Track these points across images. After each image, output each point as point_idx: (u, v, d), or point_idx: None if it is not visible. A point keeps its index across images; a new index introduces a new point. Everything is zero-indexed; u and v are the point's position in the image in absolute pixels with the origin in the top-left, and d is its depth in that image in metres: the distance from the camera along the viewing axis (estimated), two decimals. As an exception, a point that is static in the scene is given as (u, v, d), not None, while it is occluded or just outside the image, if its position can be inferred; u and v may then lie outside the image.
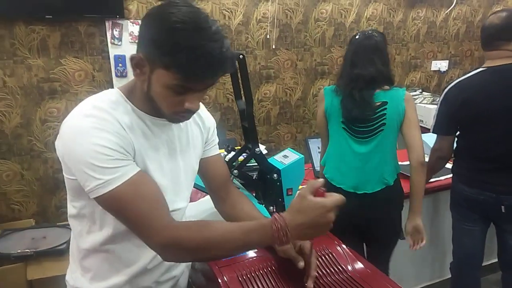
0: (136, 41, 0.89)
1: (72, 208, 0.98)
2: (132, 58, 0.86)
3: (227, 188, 1.20)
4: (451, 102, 1.87)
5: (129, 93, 0.93)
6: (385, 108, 1.77)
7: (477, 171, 1.89)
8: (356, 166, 1.84)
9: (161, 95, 0.86)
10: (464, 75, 1.90)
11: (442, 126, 1.94)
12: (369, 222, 1.86)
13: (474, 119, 1.84)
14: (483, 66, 1.87)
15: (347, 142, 1.86)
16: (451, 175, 2.07)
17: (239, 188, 1.54)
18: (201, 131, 1.09)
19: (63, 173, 0.93)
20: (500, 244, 2.01)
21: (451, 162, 2.07)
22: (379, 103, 1.77)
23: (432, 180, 2.24)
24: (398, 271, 2.34)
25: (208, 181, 1.18)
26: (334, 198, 0.84)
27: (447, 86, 1.92)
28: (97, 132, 0.83)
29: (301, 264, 0.99)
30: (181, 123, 1.00)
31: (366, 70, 1.77)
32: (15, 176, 2.85)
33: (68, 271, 1.08)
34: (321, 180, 0.86)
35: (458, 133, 1.94)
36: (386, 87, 1.79)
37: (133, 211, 0.84)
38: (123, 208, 0.85)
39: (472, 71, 1.88)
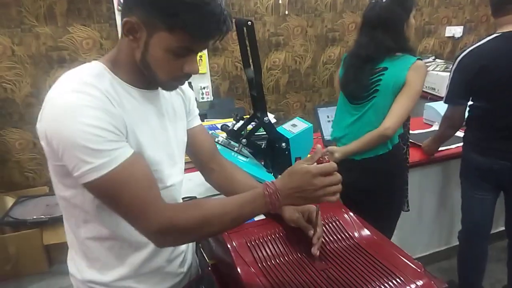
0: None
1: (60, 199, 0.91)
2: (125, 23, 0.79)
3: (216, 159, 1.15)
4: (466, 70, 1.82)
5: (113, 65, 0.86)
6: (383, 74, 1.69)
7: (490, 139, 1.86)
8: (348, 132, 1.82)
9: (161, 60, 0.81)
10: (477, 42, 1.84)
11: (454, 96, 1.89)
12: (359, 193, 1.75)
13: (490, 86, 1.79)
14: (496, 32, 1.81)
15: (346, 107, 1.84)
16: (461, 144, 2.05)
17: (247, 158, 1.56)
18: (184, 101, 1.07)
19: (47, 159, 0.85)
20: (509, 212, 2.02)
21: (462, 131, 2.05)
22: (378, 69, 1.70)
23: (442, 148, 2.23)
24: (406, 237, 2.37)
25: (195, 153, 1.12)
26: (321, 165, 0.83)
27: (460, 54, 1.86)
28: (89, 110, 0.75)
29: (311, 232, 1.01)
30: (165, 94, 0.97)
31: (363, 49, 1.71)
32: (27, 144, 2.90)
33: (70, 263, 1.00)
34: (319, 147, 0.86)
35: (470, 102, 1.91)
36: (398, 54, 1.71)
37: (127, 196, 0.79)
38: (116, 194, 0.79)
39: (486, 37, 1.82)
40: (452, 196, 2.45)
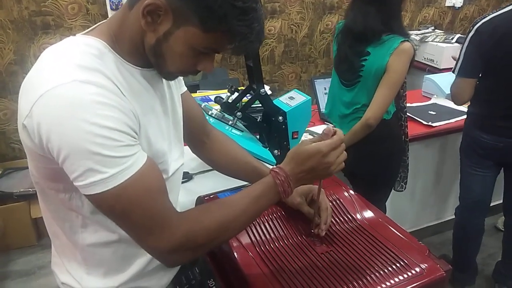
0: None
1: (46, 201, 0.79)
2: (148, 4, 0.65)
3: (207, 129, 1.06)
4: (486, 38, 1.69)
5: (113, 41, 0.72)
6: (365, 60, 1.66)
7: (497, 117, 1.79)
8: (340, 109, 1.84)
9: (179, 54, 0.70)
10: (497, 11, 1.70)
11: (468, 67, 1.75)
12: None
13: (507, 58, 1.68)
14: None
15: (339, 88, 1.84)
16: (459, 118, 1.99)
17: (242, 132, 1.49)
18: None
19: (31, 160, 0.73)
20: (509, 191, 1.99)
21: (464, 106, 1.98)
22: (364, 53, 1.67)
23: (440, 123, 2.18)
24: (400, 211, 2.36)
25: (185, 123, 0.97)
26: (329, 141, 0.79)
27: (477, 22, 1.72)
28: (101, 108, 0.63)
29: (317, 220, 0.97)
30: None
31: (356, 25, 1.66)
32: (13, 114, 2.79)
33: (58, 270, 0.87)
34: (329, 129, 0.81)
35: (481, 75, 1.79)
36: (384, 36, 1.64)
37: (140, 211, 0.68)
38: (127, 208, 0.67)
39: (507, 6, 1.69)
40: (448, 170, 2.42)
